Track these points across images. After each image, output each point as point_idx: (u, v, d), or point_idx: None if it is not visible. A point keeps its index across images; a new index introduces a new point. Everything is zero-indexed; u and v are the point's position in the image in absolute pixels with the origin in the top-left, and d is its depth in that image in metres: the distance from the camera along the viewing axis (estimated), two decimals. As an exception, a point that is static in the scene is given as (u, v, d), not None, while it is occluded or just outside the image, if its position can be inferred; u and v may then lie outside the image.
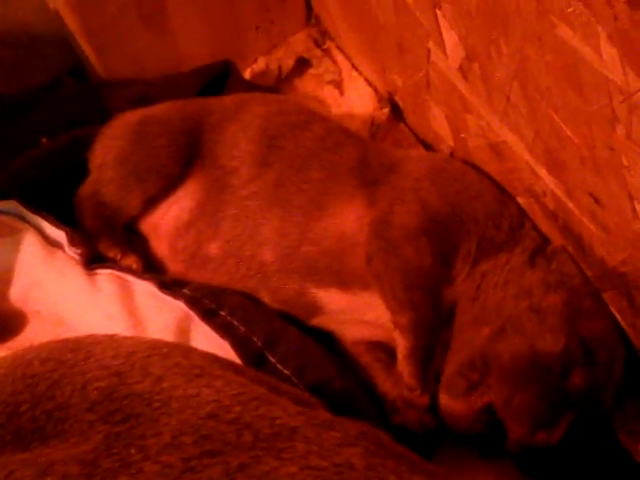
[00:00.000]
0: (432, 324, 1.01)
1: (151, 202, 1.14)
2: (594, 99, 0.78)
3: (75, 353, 0.73)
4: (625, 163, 0.79)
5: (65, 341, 0.77)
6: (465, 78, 1.04)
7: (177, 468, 0.60)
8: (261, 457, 0.62)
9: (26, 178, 1.17)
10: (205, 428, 0.64)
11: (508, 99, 0.96)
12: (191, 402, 0.67)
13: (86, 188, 1.16)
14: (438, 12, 1.02)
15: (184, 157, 1.14)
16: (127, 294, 1.05)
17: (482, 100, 1.03)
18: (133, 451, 0.62)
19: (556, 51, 0.80)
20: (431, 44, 1.09)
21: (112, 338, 0.77)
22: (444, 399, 0.97)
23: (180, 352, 0.75)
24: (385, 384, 1.06)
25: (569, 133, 0.86)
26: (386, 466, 0.64)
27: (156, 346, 0.75)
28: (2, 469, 0.61)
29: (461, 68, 1.04)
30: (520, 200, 1.08)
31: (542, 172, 0.97)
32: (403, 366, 0.99)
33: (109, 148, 1.16)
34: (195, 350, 0.80)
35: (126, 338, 0.78)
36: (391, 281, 1.02)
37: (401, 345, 1.00)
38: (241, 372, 0.78)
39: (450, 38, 1.03)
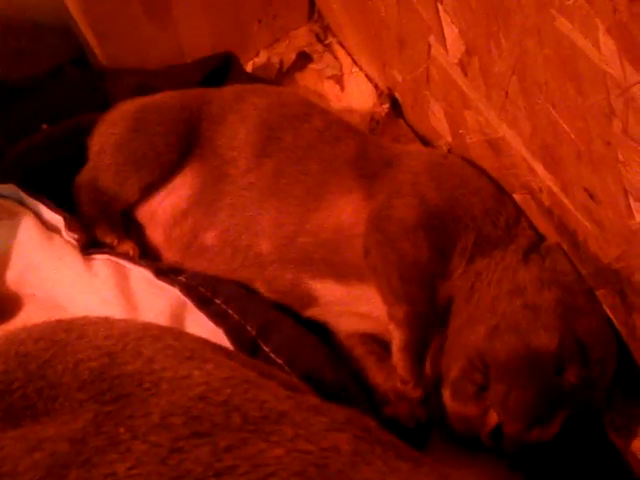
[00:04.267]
0: (427, 318, 1.01)
1: (148, 190, 1.14)
2: (592, 93, 0.78)
3: (68, 333, 0.73)
4: (621, 158, 0.79)
5: (58, 321, 0.77)
6: (465, 73, 1.05)
7: (165, 448, 0.60)
8: (249, 439, 0.62)
9: (26, 163, 1.18)
10: (194, 409, 0.64)
11: (506, 94, 0.96)
12: (181, 384, 0.67)
13: (84, 174, 1.16)
14: (439, 6, 1.03)
15: (182, 145, 1.14)
16: (123, 279, 1.05)
17: (481, 95, 1.03)
18: (122, 430, 0.62)
19: (555, 44, 0.81)
20: (432, 39, 1.09)
21: (105, 320, 0.78)
22: (453, 405, 0.97)
23: (172, 335, 0.75)
24: (378, 376, 1.06)
25: (566, 128, 0.86)
26: (373, 452, 0.65)
27: (148, 328, 0.76)
28: (-8, 445, 0.61)
29: (461, 63, 1.04)
30: (516, 196, 1.08)
31: (539, 168, 0.98)
32: (397, 359, 0.99)
33: (108, 135, 1.17)
34: (187, 333, 0.81)
35: (119, 320, 0.79)
36: (388, 274, 1.02)
37: (396, 338, 1.00)
38: (232, 356, 0.78)
39: (451, 32, 1.03)
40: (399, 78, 1.32)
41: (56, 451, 0.60)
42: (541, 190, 1.00)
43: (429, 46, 1.11)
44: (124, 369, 0.68)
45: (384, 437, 0.70)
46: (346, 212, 1.08)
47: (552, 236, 1.04)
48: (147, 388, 0.67)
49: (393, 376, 1.01)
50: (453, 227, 1.04)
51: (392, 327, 1.01)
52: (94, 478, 0.58)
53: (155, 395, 0.66)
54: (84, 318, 0.78)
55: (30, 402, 0.67)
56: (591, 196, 0.89)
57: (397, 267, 1.02)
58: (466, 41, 1.00)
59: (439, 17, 1.04)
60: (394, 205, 1.06)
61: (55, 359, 0.70)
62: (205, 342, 0.79)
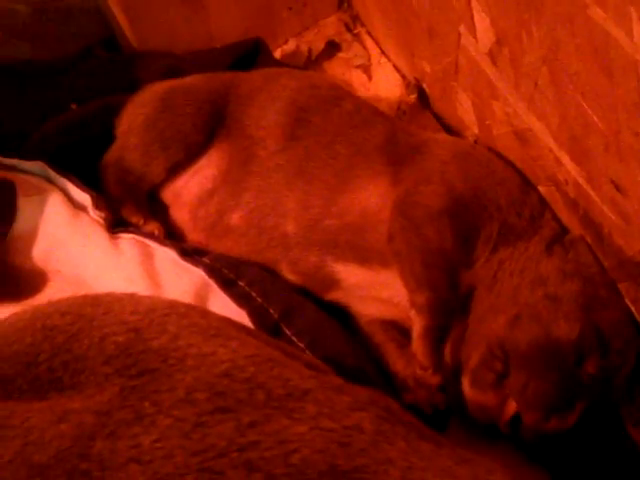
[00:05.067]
0: (449, 305, 1.01)
1: (174, 170, 1.15)
2: (622, 83, 0.78)
3: (94, 308, 0.74)
4: (649, 149, 0.79)
5: (84, 296, 0.78)
6: (494, 63, 1.05)
7: (189, 422, 0.61)
8: (272, 415, 0.63)
9: (55, 142, 1.19)
10: (219, 386, 0.65)
11: (536, 84, 0.96)
12: (206, 360, 0.68)
13: (112, 154, 1.17)
14: (471, -5, 1.03)
15: (209, 126, 1.15)
16: (148, 258, 1.06)
17: (510, 86, 1.03)
18: (147, 404, 0.63)
19: (587, 33, 0.80)
20: (462, 28, 1.09)
21: (131, 296, 0.78)
22: (472, 393, 0.97)
23: (197, 313, 0.76)
24: (397, 362, 1.06)
25: (595, 118, 0.86)
26: (395, 432, 0.65)
27: (174, 305, 0.76)
28: (19, 415, 0.62)
29: (491, 52, 1.04)
30: (541, 188, 1.08)
31: (565, 159, 0.97)
32: (417, 345, 0.99)
33: (135, 115, 1.18)
34: (212, 312, 0.81)
35: (145, 297, 0.79)
36: (411, 260, 1.02)
37: (417, 324, 1.00)
38: (255, 336, 0.79)
39: (481, 21, 1.03)
40: (427, 69, 1.32)
41: (82, 422, 0.61)
42: (567, 182, 1.00)
43: (459, 35, 1.11)
44: (150, 344, 0.69)
45: (406, 418, 0.70)
46: (373, 197, 1.08)
47: (576, 229, 1.04)
48: (172, 364, 0.67)
49: (413, 363, 1.01)
50: (478, 216, 1.04)
51: (413, 313, 1.01)
52: (119, 450, 0.59)
53: (180, 371, 0.66)
54: (110, 294, 0.79)
55: (56, 375, 0.68)
56: (617, 188, 0.88)
57: (421, 253, 1.02)
58: (497, 30, 1.00)
59: (470, 6, 1.04)
60: (421, 192, 1.06)
61: (81, 333, 0.71)
62: (229, 321, 0.80)
